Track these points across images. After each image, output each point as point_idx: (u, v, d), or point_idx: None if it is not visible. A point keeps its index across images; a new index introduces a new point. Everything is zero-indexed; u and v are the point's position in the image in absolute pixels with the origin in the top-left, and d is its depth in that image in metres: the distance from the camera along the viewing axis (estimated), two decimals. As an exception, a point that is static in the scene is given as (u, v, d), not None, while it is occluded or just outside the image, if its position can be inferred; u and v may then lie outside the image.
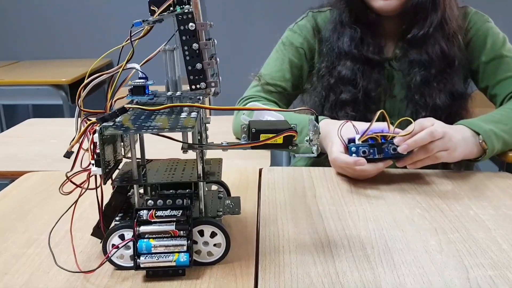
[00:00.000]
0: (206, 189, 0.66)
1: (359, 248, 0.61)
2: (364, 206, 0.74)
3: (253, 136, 0.51)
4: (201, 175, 0.56)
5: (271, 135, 0.51)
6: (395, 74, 1.05)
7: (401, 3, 0.98)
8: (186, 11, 0.52)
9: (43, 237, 0.64)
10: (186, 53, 0.53)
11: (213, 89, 0.56)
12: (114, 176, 0.56)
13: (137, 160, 0.61)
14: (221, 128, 1.08)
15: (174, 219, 0.54)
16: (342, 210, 0.72)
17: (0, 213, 0.73)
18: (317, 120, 0.52)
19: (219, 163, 0.63)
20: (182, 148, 0.54)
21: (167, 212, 0.54)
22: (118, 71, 0.58)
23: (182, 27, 0.53)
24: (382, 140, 0.81)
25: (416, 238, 0.63)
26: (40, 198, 0.78)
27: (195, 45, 0.53)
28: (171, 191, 0.61)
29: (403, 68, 1.04)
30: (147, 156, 0.62)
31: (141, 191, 0.60)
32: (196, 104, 0.52)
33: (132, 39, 0.57)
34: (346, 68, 1.03)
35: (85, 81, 0.59)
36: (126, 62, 0.58)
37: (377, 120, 0.82)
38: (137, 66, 0.59)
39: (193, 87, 0.54)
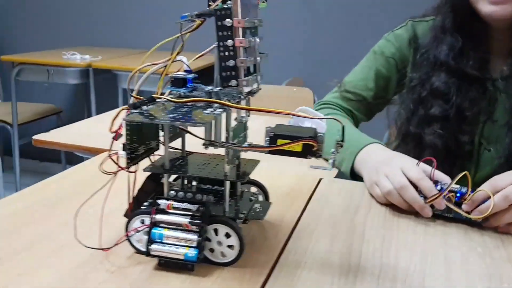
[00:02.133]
0: (241, 189, 0.65)
1: (389, 279, 0.54)
2: (418, 235, 0.66)
3: (271, 140, 0.49)
4: (226, 174, 0.55)
5: (287, 141, 0.48)
6: (499, 96, 0.92)
7: None
8: (225, 6, 0.52)
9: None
10: (221, 49, 0.53)
11: (246, 88, 0.54)
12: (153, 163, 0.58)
13: (178, 150, 0.62)
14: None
15: (190, 213, 0.54)
16: (391, 235, 0.65)
17: (67, 185, 0.80)
18: (343, 131, 0.48)
19: (254, 164, 0.61)
20: (204, 143, 0.54)
21: (184, 205, 0.54)
22: (168, 63, 0.60)
23: (219, 23, 0.52)
24: (457, 199, 0.69)
25: (461, 281, 0.55)
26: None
27: (229, 42, 0.52)
28: (207, 186, 0.62)
29: (509, 90, 0.91)
30: (193, 149, 0.62)
31: (178, 181, 0.61)
32: (221, 101, 0.51)
33: (182, 32, 0.58)
34: (439, 80, 0.93)
35: (136, 69, 0.62)
36: (176, 55, 0.60)
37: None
38: (184, 59, 0.60)
39: (224, 84, 0.53)
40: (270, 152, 0.49)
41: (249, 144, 0.53)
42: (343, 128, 0.48)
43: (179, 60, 0.59)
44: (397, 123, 1.02)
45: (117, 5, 2.96)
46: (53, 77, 2.48)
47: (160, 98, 0.54)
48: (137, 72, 0.62)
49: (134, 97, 0.56)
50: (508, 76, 0.91)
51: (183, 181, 0.61)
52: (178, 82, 0.57)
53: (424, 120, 0.95)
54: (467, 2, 0.89)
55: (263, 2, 0.58)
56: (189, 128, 0.61)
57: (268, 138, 0.50)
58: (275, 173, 0.83)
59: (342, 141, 0.48)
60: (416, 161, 0.76)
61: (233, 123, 0.56)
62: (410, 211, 0.71)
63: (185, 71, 0.59)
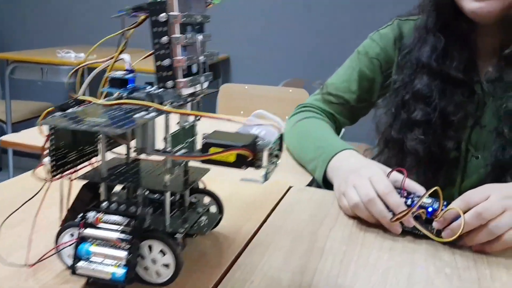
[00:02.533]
0: (195, 199, 0.60)
1: (341, 303, 0.49)
2: (382, 252, 0.60)
3: (203, 148, 0.44)
4: (165, 184, 0.50)
5: (220, 150, 0.43)
6: (488, 100, 0.87)
7: (502, 8, 0.78)
8: (160, 0, 0.47)
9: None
10: (156, 46, 0.48)
11: (185, 90, 0.49)
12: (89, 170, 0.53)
13: (124, 156, 0.58)
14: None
15: (120, 227, 0.49)
16: (352, 252, 0.60)
17: (10, 193, 0.75)
18: (281, 139, 0.43)
19: (202, 173, 0.56)
20: (135, 150, 0.49)
21: (115, 219, 0.49)
22: (111, 62, 0.56)
23: (153, 18, 0.47)
24: (428, 216, 0.63)
25: (421, 307, 0.49)
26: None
27: (164, 38, 0.47)
28: (156, 195, 0.57)
29: (496, 93, 0.85)
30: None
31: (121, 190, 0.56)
32: (152, 103, 0.46)
33: (125, 29, 0.54)
34: (421, 83, 0.87)
35: (75, 68, 0.58)
36: (119, 53, 0.55)
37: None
38: (127, 58, 0.55)
39: (160, 85, 0.48)
40: (203, 162, 0.44)
41: (186, 152, 0.48)
42: (280, 136, 0.43)
43: (121, 59, 0.55)
44: (379, 127, 0.97)
45: (113, 3, 2.93)
46: (47, 76, 2.45)
47: (85, 100, 0.49)
48: (81, 69, 0.59)
49: (70, 96, 0.52)
50: (496, 78, 0.84)
51: (129, 191, 0.56)
52: (115, 83, 0.52)
53: (406, 125, 0.90)
54: (451, 1, 0.83)
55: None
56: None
57: (201, 146, 0.45)
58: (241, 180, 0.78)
59: (280, 150, 0.43)
60: (388, 170, 0.71)
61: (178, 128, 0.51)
62: (379, 225, 0.66)
63: (126, 70, 0.54)
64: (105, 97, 0.54)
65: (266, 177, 0.43)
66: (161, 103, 0.49)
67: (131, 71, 0.54)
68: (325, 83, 1.03)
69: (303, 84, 2.78)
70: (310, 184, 0.85)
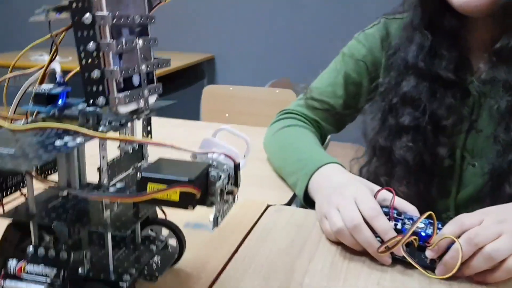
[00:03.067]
0: (151, 232, 0.51)
1: None
2: (368, 285, 0.52)
3: (138, 185, 0.35)
4: (104, 223, 0.41)
5: (160, 186, 0.33)
6: (484, 102, 0.78)
7: (491, 0, 0.70)
8: (83, -4, 0.38)
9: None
10: (82, 55, 0.38)
11: (121, 108, 0.40)
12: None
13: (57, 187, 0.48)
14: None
15: (47, 279, 0.39)
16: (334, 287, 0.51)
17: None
18: (237, 169, 0.34)
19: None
20: (57, 187, 0.40)
21: (40, 269, 0.40)
22: (40, 72, 0.47)
23: (76, 19, 0.38)
24: (421, 243, 0.54)
25: None
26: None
27: (91, 45, 0.38)
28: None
29: (492, 92, 0.77)
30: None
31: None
32: (76, 126, 0.37)
33: (55, 32, 0.45)
34: (409, 85, 0.79)
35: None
36: (50, 62, 0.46)
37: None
38: (58, 68, 0.46)
39: (90, 102, 0.39)
40: (141, 203, 0.35)
41: (119, 189, 0.38)
42: (235, 166, 0.34)
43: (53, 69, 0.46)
44: (366, 134, 0.88)
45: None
46: (20, 80, 2.33)
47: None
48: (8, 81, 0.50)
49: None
50: (489, 76, 0.75)
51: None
52: (40, 99, 0.43)
53: (394, 131, 0.81)
54: None
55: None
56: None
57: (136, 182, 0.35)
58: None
59: (236, 184, 0.34)
60: (376, 188, 0.62)
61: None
62: (365, 252, 0.57)
63: (57, 83, 0.45)
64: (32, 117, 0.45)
65: (216, 222, 0.34)
66: (98, 123, 0.40)
67: (62, 83, 0.45)
68: (309, 87, 0.93)
69: (291, 83, 2.70)
70: (292, 200, 0.76)
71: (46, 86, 0.44)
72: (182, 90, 2.76)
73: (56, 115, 0.43)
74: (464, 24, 0.76)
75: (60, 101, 0.44)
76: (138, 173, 0.35)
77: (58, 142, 0.37)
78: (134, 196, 0.34)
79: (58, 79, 0.45)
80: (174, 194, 0.34)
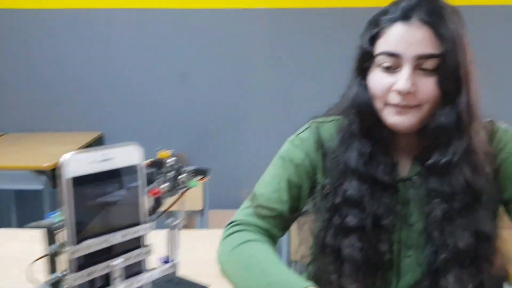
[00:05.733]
0: None
1: None
2: None
3: None
4: None
5: None
6: (412, 199, 0.91)
7: (418, 122, 0.85)
8: None
9: None
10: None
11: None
12: None
13: None
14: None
15: None
16: None
17: None
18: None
19: None
20: None
21: None
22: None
23: None
24: None
25: None
26: None
27: None
28: None
29: (420, 194, 0.90)
30: None
31: None
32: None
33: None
34: (352, 187, 0.89)
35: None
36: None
37: None
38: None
39: None
40: None
41: None
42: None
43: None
44: (312, 234, 0.95)
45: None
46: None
47: None
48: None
49: None
50: (419, 180, 0.89)
51: None
52: None
53: (341, 230, 0.90)
54: (372, 109, 0.88)
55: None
56: None
57: None
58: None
59: None
60: None
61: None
62: None
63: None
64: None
65: None
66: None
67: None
68: (254, 193, 0.97)
69: (187, 160, 2.70)
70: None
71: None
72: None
73: None
74: (397, 136, 0.90)
75: None
76: None
77: None
78: None
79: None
80: None
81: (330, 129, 0.96)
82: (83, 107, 2.80)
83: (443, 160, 0.84)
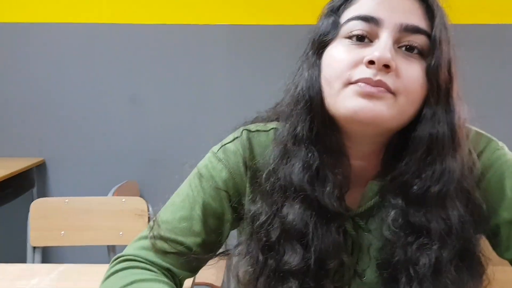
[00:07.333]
0: None
1: None
2: None
3: None
4: None
5: None
6: (366, 240, 0.68)
7: (388, 118, 0.61)
8: None
9: None
10: None
11: None
12: None
13: None
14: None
15: None
16: None
17: None
18: None
19: None
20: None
21: None
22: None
23: None
24: None
25: None
26: None
27: None
28: None
29: (371, 236, 0.67)
30: None
31: None
32: None
33: None
34: (293, 212, 0.65)
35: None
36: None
37: None
38: None
39: None
40: None
41: None
42: None
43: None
44: (240, 278, 0.71)
45: None
46: None
47: None
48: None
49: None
50: (401, 221, 0.64)
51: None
52: None
53: (277, 274, 0.66)
54: (322, 100, 0.65)
55: None
56: None
57: None
58: None
59: None
60: None
61: None
62: None
63: None
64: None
65: None
66: None
67: None
68: (156, 219, 0.72)
69: (138, 188, 2.46)
70: None
71: None
72: (2, 207, 2.28)
73: None
74: (354, 142, 0.67)
75: None
76: None
77: None
78: None
79: None
80: None
81: (266, 141, 0.72)
82: (23, 131, 2.54)
83: (435, 188, 0.61)
